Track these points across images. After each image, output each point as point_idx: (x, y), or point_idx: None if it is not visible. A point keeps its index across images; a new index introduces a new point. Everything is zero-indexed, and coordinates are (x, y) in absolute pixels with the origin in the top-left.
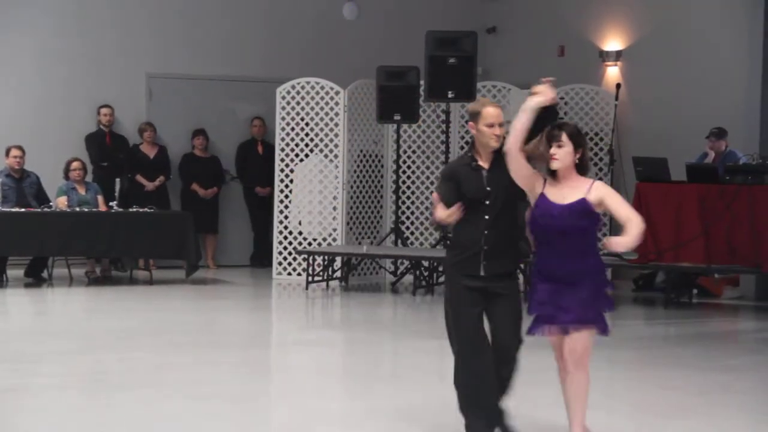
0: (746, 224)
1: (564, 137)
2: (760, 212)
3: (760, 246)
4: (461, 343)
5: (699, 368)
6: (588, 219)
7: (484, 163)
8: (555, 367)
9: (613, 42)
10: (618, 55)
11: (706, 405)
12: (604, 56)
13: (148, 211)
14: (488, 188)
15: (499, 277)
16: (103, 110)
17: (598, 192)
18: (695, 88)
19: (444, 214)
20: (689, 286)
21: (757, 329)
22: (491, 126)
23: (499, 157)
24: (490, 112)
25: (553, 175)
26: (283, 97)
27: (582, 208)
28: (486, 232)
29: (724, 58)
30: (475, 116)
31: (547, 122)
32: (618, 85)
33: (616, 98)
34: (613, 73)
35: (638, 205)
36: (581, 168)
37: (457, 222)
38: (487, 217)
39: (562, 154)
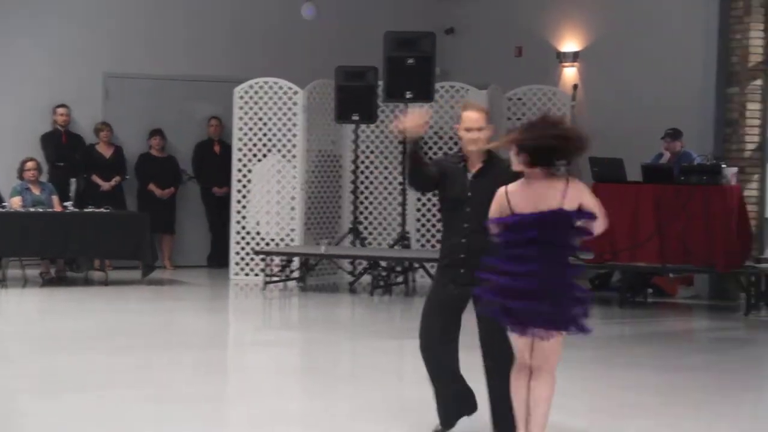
0: (701, 224)
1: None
2: (715, 212)
3: (714, 246)
4: (419, 335)
5: (654, 367)
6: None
7: (471, 167)
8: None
9: (570, 43)
10: (575, 56)
11: (660, 404)
12: (561, 57)
13: (104, 211)
14: (469, 194)
15: (471, 283)
16: (59, 110)
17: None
18: (651, 89)
19: (410, 120)
20: (644, 286)
21: (711, 328)
22: (468, 130)
23: (488, 165)
24: (468, 115)
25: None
26: (241, 97)
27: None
28: (463, 240)
29: (679, 60)
30: (459, 119)
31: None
32: (575, 86)
33: (573, 99)
34: (570, 74)
35: None
36: (534, 161)
37: (443, 226)
38: (466, 225)
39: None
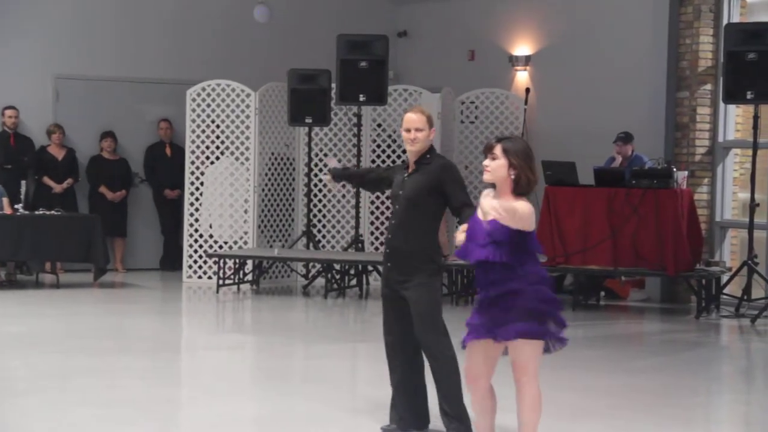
0: (652, 227)
1: (498, 150)
2: (665, 216)
3: (665, 249)
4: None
5: (605, 370)
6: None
7: (409, 167)
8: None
9: (522, 47)
10: (527, 60)
11: (612, 406)
12: (513, 61)
13: (56, 213)
14: (400, 192)
15: (399, 282)
16: (8, 112)
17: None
18: (603, 93)
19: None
20: (596, 289)
21: (662, 331)
22: (407, 131)
23: (420, 166)
24: (408, 117)
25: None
26: (194, 99)
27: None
28: (390, 236)
29: (630, 64)
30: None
31: None
32: (527, 90)
33: (526, 102)
34: (522, 77)
35: (547, 208)
36: (516, 188)
37: None
38: (394, 221)
39: (494, 167)
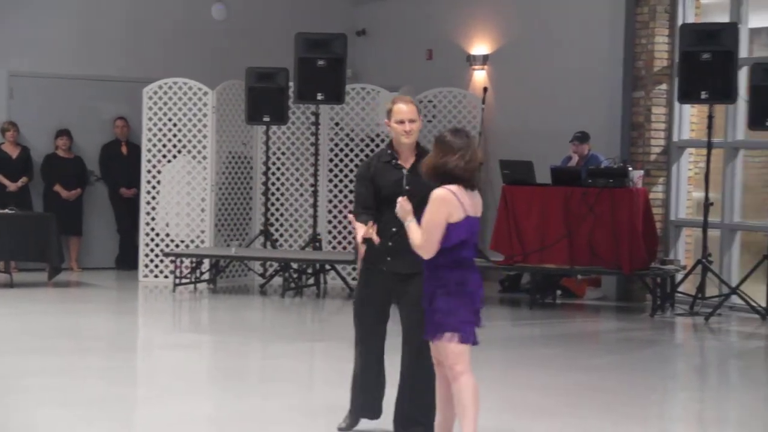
0: (608, 226)
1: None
2: (621, 215)
3: (621, 247)
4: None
5: (562, 368)
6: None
7: (404, 162)
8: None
9: (480, 46)
10: (485, 60)
11: (569, 404)
12: (471, 60)
13: (10, 212)
14: (407, 187)
15: (405, 276)
16: None
17: None
18: (559, 92)
19: (360, 234)
20: (553, 287)
21: (618, 329)
22: (401, 122)
23: (420, 159)
24: (400, 108)
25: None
26: (150, 98)
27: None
28: (396, 228)
29: (587, 64)
30: (388, 113)
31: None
32: (485, 89)
33: (483, 102)
34: (480, 77)
35: (504, 207)
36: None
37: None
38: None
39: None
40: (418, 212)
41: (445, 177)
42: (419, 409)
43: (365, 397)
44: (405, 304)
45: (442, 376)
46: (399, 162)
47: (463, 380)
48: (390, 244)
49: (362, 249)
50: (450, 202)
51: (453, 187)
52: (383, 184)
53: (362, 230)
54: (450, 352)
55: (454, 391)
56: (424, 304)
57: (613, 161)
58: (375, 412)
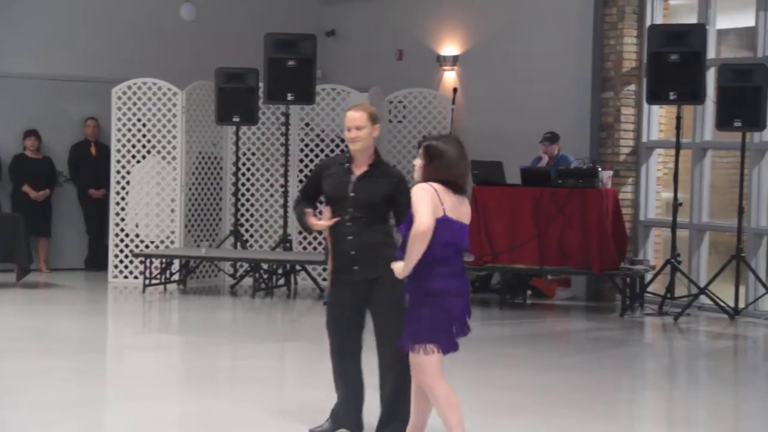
0: (577, 227)
1: (422, 150)
2: (590, 215)
3: (590, 248)
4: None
5: (531, 368)
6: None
7: (356, 169)
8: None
9: (450, 47)
10: (455, 60)
11: (538, 404)
12: (441, 61)
13: None
14: (352, 194)
15: (369, 281)
16: None
17: None
18: (529, 93)
19: (315, 223)
20: (523, 288)
21: (588, 329)
22: (348, 130)
23: (373, 169)
24: (348, 115)
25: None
26: (119, 98)
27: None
28: (351, 237)
29: (556, 65)
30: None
31: None
32: (455, 90)
33: (453, 102)
34: (450, 77)
35: (474, 208)
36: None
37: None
38: (350, 223)
39: (417, 167)
40: (364, 215)
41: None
42: (395, 411)
43: (344, 407)
44: (375, 308)
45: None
46: (351, 167)
47: (437, 393)
48: (352, 252)
49: (331, 263)
50: (432, 196)
51: (435, 185)
52: (330, 184)
53: (318, 222)
54: (417, 363)
55: (432, 404)
56: (402, 304)
57: (583, 162)
58: (353, 424)
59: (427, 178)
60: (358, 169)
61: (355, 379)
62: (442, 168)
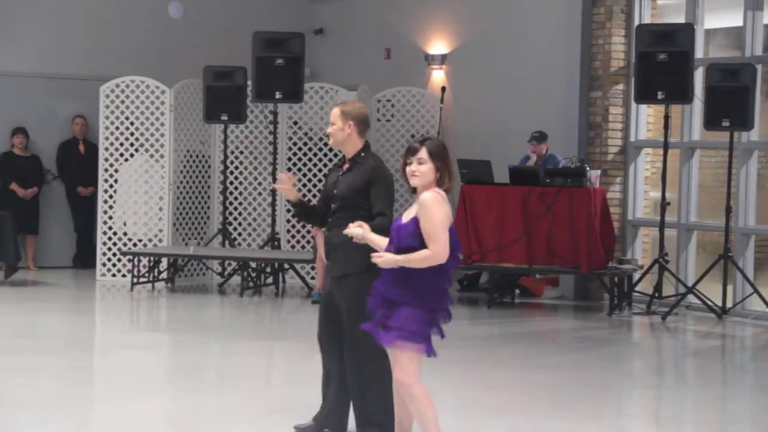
0: (565, 226)
1: (424, 154)
2: (579, 214)
3: (578, 247)
4: None
5: (520, 367)
6: (417, 239)
7: (345, 167)
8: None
9: (438, 45)
10: (443, 59)
11: (526, 403)
12: (429, 60)
13: None
14: (335, 191)
15: (338, 278)
16: None
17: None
18: (518, 92)
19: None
20: (512, 287)
21: (576, 328)
22: (329, 126)
23: (352, 164)
24: (331, 113)
25: (414, 191)
26: (107, 96)
27: (411, 229)
28: (329, 233)
29: (544, 64)
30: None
31: None
32: (443, 89)
33: (441, 101)
34: (438, 76)
35: (463, 207)
36: (440, 185)
37: None
38: (331, 220)
39: (423, 171)
40: (342, 211)
41: (448, 187)
42: (362, 415)
43: (327, 407)
44: (341, 305)
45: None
46: (342, 166)
47: (415, 391)
48: (326, 248)
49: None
50: (445, 203)
51: (441, 191)
52: (326, 184)
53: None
54: (399, 361)
55: (408, 403)
56: (374, 305)
57: (571, 161)
58: (336, 424)
59: (440, 182)
60: (345, 167)
61: (328, 375)
62: (451, 167)
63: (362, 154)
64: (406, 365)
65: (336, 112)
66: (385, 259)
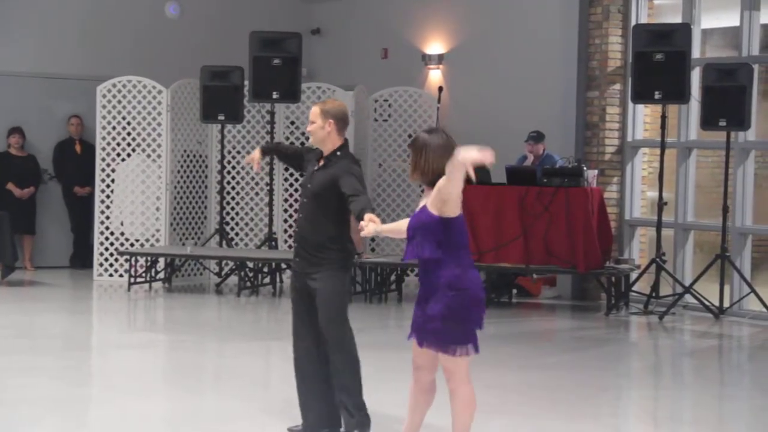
0: (563, 226)
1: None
2: (576, 214)
3: (576, 247)
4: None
5: (518, 366)
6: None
7: (320, 162)
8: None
9: (435, 45)
10: (440, 59)
11: (523, 403)
12: (426, 59)
13: None
14: (308, 185)
15: (308, 274)
16: None
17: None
18: (515, 92)
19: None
20: (509, 286)
21: (573, 328)
22: (308, 124)
23: (327, 161)
24: (310, 111)
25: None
26: (104, 96)
27: (424, 217)
28: (298, 228)
29: (541, 64)
30: None
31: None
32: (440, 88)
33: (439, 101)
34: (435, 76)
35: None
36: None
37: None
38: (302, 214)
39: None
40: (310, 206)
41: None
42: (346, 410)
43: (318, 407)
44: (316, 296)
45: (417, 381)
46: (318, 161)
47: (463, 392)
48: (296, 244)
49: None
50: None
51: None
52: (305, 174)
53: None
54: (451, 366)
55: (458, 398)
56: (418, 308)
57: (568, 161)
58: (327, 421)
59: (412, 173)
60: (320, 163)
61: (302, 372)
62: (429, 161)
63: (338, 153)
64: (460, 368)
65: (316, 110)
66: (369, 228)
